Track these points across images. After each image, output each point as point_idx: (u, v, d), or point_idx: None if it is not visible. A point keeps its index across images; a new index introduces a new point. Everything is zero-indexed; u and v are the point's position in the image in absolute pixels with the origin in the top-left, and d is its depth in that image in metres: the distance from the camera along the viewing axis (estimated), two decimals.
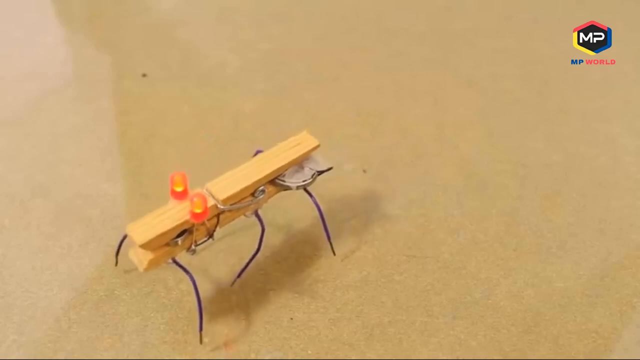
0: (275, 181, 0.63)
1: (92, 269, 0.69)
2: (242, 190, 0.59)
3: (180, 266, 0.58)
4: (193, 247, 0.59)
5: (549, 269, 0.70)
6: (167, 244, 0.56)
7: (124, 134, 0.86)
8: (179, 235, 0.57)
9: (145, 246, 0.54)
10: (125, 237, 0.62)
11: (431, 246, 0.72)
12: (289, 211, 0.74)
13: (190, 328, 0.63)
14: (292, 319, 0.65)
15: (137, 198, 0.77)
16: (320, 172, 0.65)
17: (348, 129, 0.87)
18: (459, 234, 0.73)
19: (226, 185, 0.59)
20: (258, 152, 0.66)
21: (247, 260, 0.66)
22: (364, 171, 0.81)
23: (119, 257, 0.68)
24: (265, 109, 0.91)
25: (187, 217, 0.56)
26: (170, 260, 0.58)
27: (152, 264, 0.57)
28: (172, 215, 0.56)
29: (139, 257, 0.57)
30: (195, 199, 0.55)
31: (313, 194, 0.65)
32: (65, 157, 0.82)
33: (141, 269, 0.56)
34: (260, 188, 0.61)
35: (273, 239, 0.72)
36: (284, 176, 0.63)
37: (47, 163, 0.81)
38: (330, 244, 0.69)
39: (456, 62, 1.02)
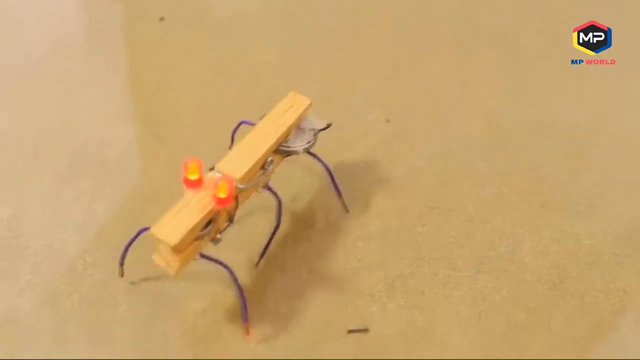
0: (280, 149, 0.60)
1: (107, 213, 0.67)
2: (254, 165, 0.56)
3: (212, 259, 0.55)
4: (218, 236, 0.55)
5: (575, 227, 0.68)
6: (195, 239, 0.53)
7: (138, 79, 0.84)
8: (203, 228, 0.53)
9: (178, 246, 0.50)
10: (131, 242, 0.58)
11: (455, 199, 0.70)
12: (296, 178, 0.72)
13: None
14: (311, 269, 0.63)
15: (152, 142, 0.75)
16: (320, 131, 0.62)
17: (371, 80, 0.85)
18: (484, 188, 0.71)
19: (237, 163, 0.55)
20: (242, 123, 0.64)
21: (268, 238, 0.63)
22: (387, 121, 0.78)
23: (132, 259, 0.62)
24: (285, 58, 0.88)
25: (212, 205, 0.52)
26: (198, 256, 0.54)
27: (184, 264, 0.53)
28: (194, 207, 0.52)
29: (166, 260, 0.53)
30: (220, 183, 0.51)
31: (316, 153, 0.63)
32: (79, 102, 0.80)
33: (172, 272, 0.52)
34: (269, 159, 0.58)
35: (288, 206, 0.69)
36: (287, 142, 0.60)
37: (61, 108, 0.79)
38: (342, 201, 0.67)
39: (483, 17, 0.99)
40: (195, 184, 0.52)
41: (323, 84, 0.83)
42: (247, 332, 0.58)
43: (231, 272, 0.55)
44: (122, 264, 0.61)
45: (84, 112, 0.79)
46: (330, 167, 0.65)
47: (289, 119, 0.60)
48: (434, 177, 0.72)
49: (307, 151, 0.62)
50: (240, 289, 0.56)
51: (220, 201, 0.52)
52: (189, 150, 0.73)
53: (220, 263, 0.55)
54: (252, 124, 0.62)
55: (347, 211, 0.68)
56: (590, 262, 0.65)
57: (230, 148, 0.69)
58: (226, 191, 0.51)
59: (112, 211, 0.68)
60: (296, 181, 0.71)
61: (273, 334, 0.57)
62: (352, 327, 0.59)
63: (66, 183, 0.70)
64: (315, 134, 0.62)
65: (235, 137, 0.67)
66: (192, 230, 0.51)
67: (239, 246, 0.64)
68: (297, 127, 0.61)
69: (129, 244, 0.59)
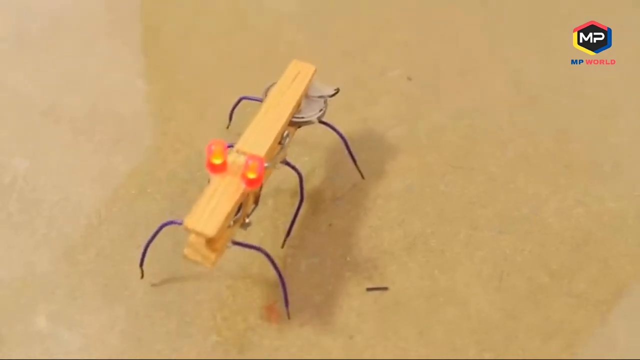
0: (293, 120, 0.57)
1: (124, 167, 0.67)
2: (274, 141, 0.53)
3: (245, 245, 0.52)
4: (247, 220, 0.52)
5: (601, 188, 0.67)
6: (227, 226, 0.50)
7: (158, 30, 0.82)
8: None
9: (216, 235, 0.47)
10: (152, 239, 0.55)
11: (479, 158, 0.68)
12: (305, 153, 0.69)
13: None
14: (330, 225, 0.62)
15: (171, 96, 0.74)
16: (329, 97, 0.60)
17: (394, 34, 0.83)
18: (508, 148, 0.70)
19: (256, 141, 0.53)
20: (242, 99, 0.62)
21: (292, 216, 0.60)
22: (409, 79, 0.76)
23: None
24: (307, 10, 0.86)
25: (242, 187, 0.49)
26: (230, 244, 0.52)
27: (219, 254, 0.50)
28: (224, 192, 0.49)
29: (201, 253, 0.50)
30: (250, 162, 0.48)
31: (328, 121, 0.61)
32: (98, 52, 0.79)
33: (209, 265, 0.50)
34: (285, 133, 0.56)
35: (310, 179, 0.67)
36: (299, 112, 0.58)
37: (80, 59, 0.78)
38: (357, 168, 0.65)
39: None
40: (220, 168, 0.50)
41: (344, 39, 0.81)
42: (289, 316, 0.56)
43: (268, 255, 0.53)
44: (142, 264, 0.57)
45: (101, 65, 0.78)
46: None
47: (299, 88, 0.57)
48: (458, 136, 0.71)
49: (320, 120, 0.59)
50: (279, 272, 0.53)
51: (250, 182, 0.49)
52: (210, 105, 0.73)
53: (255, 247, 0.53)
54: (254, 100, 0.60)
55: (363, 178, 0.66)
56: (615, 226, 0.64)
57: (227, 127, 0.68)
58: (256, 171, 0.49)
59: (129, 165, 0.67)
60: (306, 155, 0.69)
61: (291, 290, 0.56)
62: (371, 285, 0.58)
63: (83, 137, 0.69)
64: (325, 101, 0.60)
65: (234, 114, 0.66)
66: (228, 217, 0.48)
67: (258, 227, 0.62)
68: (306, 95, 0.59)
69: (150, 242, 0.56)
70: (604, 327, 0.57)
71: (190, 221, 0.47)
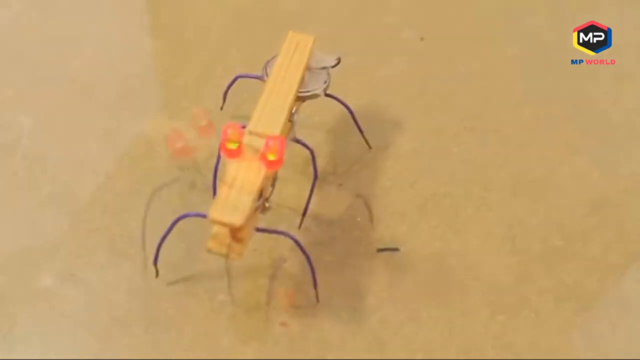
0: (300, 95, 0.55)
1: (130, 124, 0.65)
2: (285, 118, 0.51)
3: (272, 231, 0.51)
4: (266, 204, 0.50)
5: (616, 153, 0.65)
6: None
7: None
8: None
9: (244, 224, 0.45)
10: (164, 237, 0.52)
11: (492, 120, 0.67)
12: (315, 121, 0.67)
13: None
14: (340, 185, 0.61)
15: (179, 54, 0.73)
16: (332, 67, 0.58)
17: None
18: (523, 110, 0.68)
19: (268, 120, 0.50)
20: (238, 77, 0.60)
21: (308, 194, 0.58)
22: (422, 39, 0.75)
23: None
24: None
25: (263, 170, 0.46)
26: (254, 231, 0.50)
27: (246, 244, 0.48)
28: (244, 178, 0.46)
29: (228, 245, 0.47)
30: (271, 143, 0.46)
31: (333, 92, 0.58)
32: (102, 11, 0.78)
33: (237, 257, 0.47)
34: (294, 109, 0.53)
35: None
36: (304, 86, 0.55)
37: (85, 17, 0.77)
38: (364, 138, 0.63)
39: None
40: (236, 153, 0.47)
41: None
42: (318, 299, 0.54)
43: (295, 240, 0.51)
44: (156, 262, 0.54)
45: (106, 23, 0.76)
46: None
47: (301, 60, 0.55)
48: (471, 97, 0.69)
49: (325, 92, 0.57)
50: (307, 256, 0.51)
51: (271, 164, 0.46)
52: (217, 62, 0.71)
53: (281, 233, 0.51)
54: (252, 77, 0.58)
55: (370, 147, 0.64)
56: (631, 189, 0.63)
57: (221, 108, 0.65)
58: (277, 152, 0.46)
59: (135, 123, 0.66)
60: (311, 129, 0.66)
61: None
62: (381, 246, 0.57)
63: (88, 95, 0.68)
64: (328, 72, 0.57)
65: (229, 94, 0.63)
66: (254, 203, 0.46)
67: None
68: (307, 68, 0.56)
69: (163, 239, 0.52)
70: (617, 291, 0.57)
71: (215, 212, 0.44)
